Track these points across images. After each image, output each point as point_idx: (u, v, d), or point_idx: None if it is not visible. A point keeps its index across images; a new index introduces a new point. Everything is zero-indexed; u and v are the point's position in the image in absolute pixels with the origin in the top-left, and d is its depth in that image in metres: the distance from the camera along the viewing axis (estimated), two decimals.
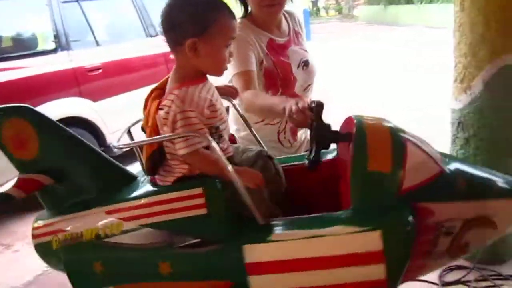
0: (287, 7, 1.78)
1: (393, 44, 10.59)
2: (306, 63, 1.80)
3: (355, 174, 1.19)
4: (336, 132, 1.30)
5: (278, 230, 1.19)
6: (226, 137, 1.34)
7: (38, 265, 2.03)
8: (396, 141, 1.22)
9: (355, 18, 19.44)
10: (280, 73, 1.73)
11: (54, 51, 3.88)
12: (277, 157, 1.47)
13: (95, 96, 4.03)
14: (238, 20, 1.56)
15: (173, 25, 1.24)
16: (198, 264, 1.23)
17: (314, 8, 25.48)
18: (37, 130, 1.40)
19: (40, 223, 1.43)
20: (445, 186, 1.21)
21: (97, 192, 1.39)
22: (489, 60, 2.07)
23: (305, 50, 1.84)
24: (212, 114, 1.26)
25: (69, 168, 1.40)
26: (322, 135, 1.27)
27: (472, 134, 2.19)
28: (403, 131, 1.26)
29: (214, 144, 1.17)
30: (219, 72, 1.31)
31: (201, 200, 1.20)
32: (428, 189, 1.20)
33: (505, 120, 2.14)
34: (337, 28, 17.15)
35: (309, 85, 1.84)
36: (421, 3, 13.86)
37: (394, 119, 1.32)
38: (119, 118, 4.20)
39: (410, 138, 1.25)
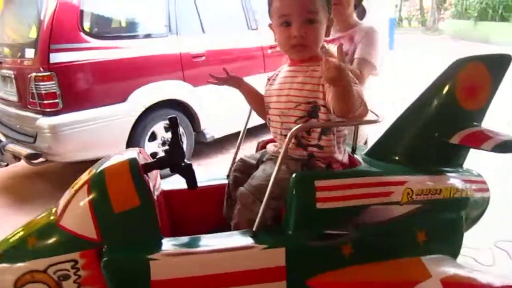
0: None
1: None
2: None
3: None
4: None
5: None
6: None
7: None
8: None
9: (439, 32, 18.62)
10: None
11: (164, 34, 4.06)
12: None
13: (196, 81, 4.14)
14: None
15: None
16: None
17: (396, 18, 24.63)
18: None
19: None
20: None
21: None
22: None
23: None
24: None
25: None
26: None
27: None
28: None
29: None
30: (284, 50, 1.50)
31: None
32: None
33: None
34: (420, 40, 16.47)
35: None
36: None
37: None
38: (215, 106, 4.32)
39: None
